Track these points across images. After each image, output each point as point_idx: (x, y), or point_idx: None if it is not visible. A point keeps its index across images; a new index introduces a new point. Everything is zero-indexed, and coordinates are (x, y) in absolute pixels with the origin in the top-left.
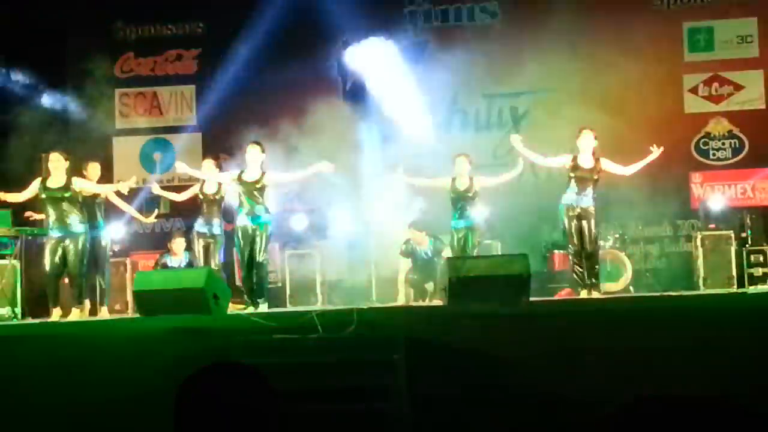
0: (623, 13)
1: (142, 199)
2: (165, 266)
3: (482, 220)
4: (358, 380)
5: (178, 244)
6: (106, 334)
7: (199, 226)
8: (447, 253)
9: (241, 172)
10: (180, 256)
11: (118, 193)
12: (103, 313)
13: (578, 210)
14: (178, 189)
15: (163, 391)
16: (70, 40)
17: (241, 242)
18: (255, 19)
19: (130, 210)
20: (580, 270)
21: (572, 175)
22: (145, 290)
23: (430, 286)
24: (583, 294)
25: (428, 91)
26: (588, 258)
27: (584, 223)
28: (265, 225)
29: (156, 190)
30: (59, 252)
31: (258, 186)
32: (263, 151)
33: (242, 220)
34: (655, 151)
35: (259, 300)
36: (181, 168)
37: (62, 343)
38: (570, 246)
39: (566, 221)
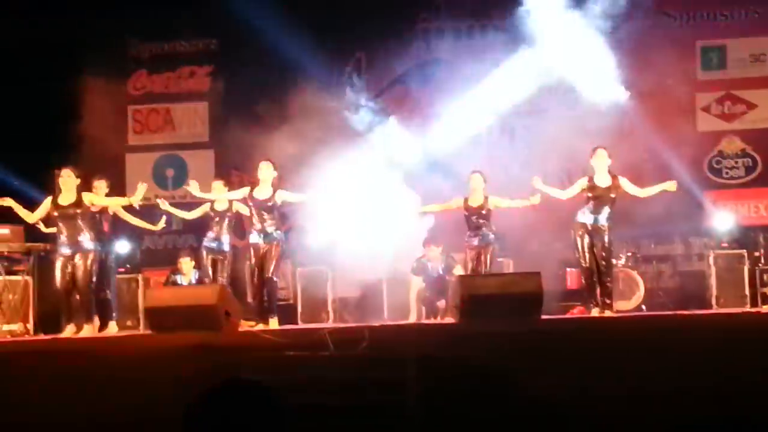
0: (636, 31)
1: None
2: (175, 284)
3: (495, 238)
4: (370, 398)
5: (186, 263)
6: (117, 351)
7: (208, 241)
8: (458, 270)
9: (252, 189)
10: (188, 275)
11: (128, 208)
12: (112, 328)
13: (590, 227)
14: (190, 206)
15: (173, 408)
16: (84, 56)
17: (253, 259)
18: (268, 36)
19: (138, 222)
20: (592, 288)
21: (590, 195)
22: (156, 307)
23: (441, 303)
24: (595, 312)
25: (440, 108)
26: (600, 276)
27: (596, 240)
28: (277, 242)
29: (164, 206)
30: (69, 268)
31: (269, 204)
32: (276, 169)
33: (254, 238)
34: (671, 185)
35: (269, 317)
36: (194, 189)
37: (74, 360)
38: (582, 263)
39: (578, 239)
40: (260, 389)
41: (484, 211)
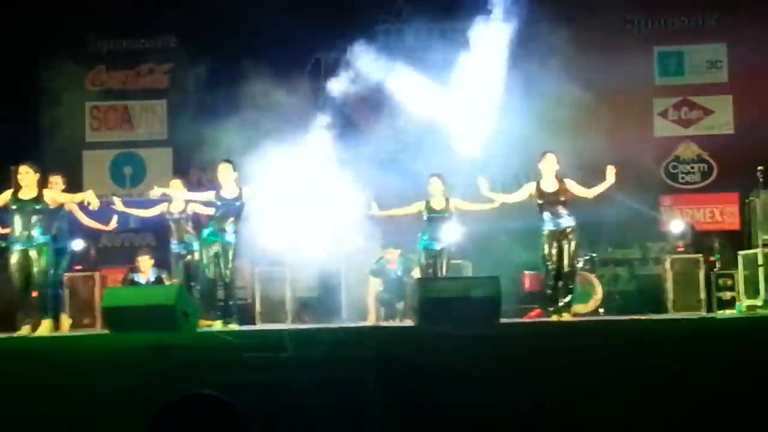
0: (595, 35)
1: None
2: (133, 283)
3: (454, 242)
4: (329, 399)
5: (145, 261)
6: (74, 350)
7: (175, 246)
8: (417, 272)
9: (218, 191)
10: (147, 274)
11: (82, 206)
12: (65, 323)
13: (557, 233)
14: (149, 204)
15: (132, 408)
16: (43, 51)
17: (208, 260)
18: (227, 34)
19: (90, 222)
20: (552, 291)
21: (540, 201)
22: (114, 306)
23: (401, 305)
24: (554, 317)
25: (403, 109)
26: (565, 278)
27: (564, 243)
28: (232, 244)
29: (119, 206)
30: (24, 264)
31: (238, 204)
32: (235, 169)
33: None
34: (611, 174)
35: (229, 318)
36: (157, 193)
37: (30, 358)
38: (547, 266)
39: (546, 247)
40: (222, 404)
41: (446, 215)
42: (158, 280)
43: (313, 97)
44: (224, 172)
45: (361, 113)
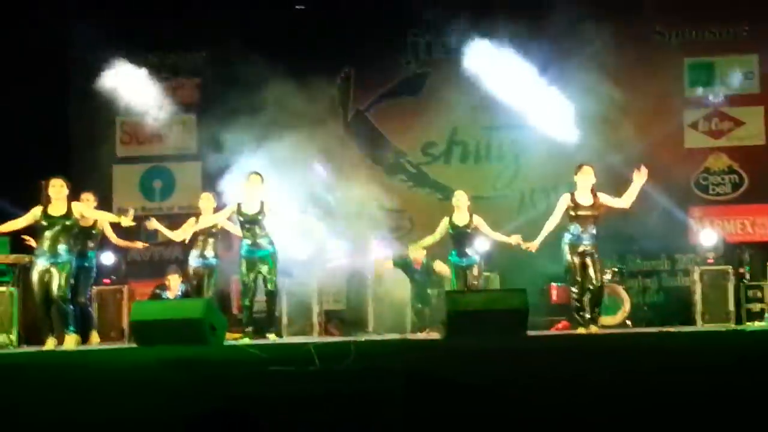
0: (625, 47)
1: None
2: (160, 300)
3: (483, 253)
4: (355, 413)
5: (173, 280)
6: (101, 364)
7: (193, 259)
8: (439, 267)
9: (240, 204)
10: (176, 291)
11: (114, 225)
12: (94, 339)
13: (580, 248)
14: (178, 217)
15: (159, 422)
16: (73, 65)
17: (245, 272)
18: (257, 48)
19: (120, 242)
20: (579, 305)
21: (573, 214)
22: (142, 320)
23: (428, 310)
24: (582, 330)
25: (429, 121)
26: (593, 292)
27: (588, 260)
28: (272, 255)
29: (154, 225)
30: (45, 279)
31: (259, 218)
32: (263, 182)
33: (246, 252)
34: (641, 174)
35: (269, 329)
36: (153, 225)
37: (59, 372)
38: (572, 280)
39: (569, 257)
40: (249, 420)
41: (470, 230)
42: (186, 295)
43: (342, 110)
44: (250, 184)
45: (391, 125)
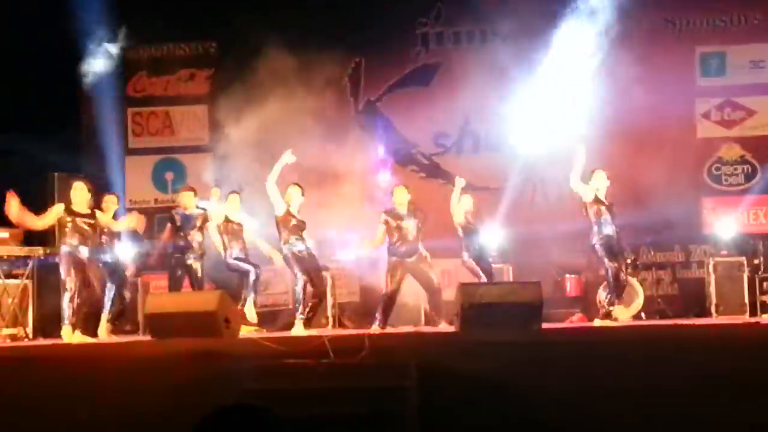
0: (636, 37)
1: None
2: (173, 220)
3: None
4: (369, 407)
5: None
6: (117, 357)
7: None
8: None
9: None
10: (191, 208)
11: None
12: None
13: (614, 238)
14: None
15: (174, 414)
16: (84, 57)
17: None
18: (268, 39)
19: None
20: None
21: (596, 207)
22: (157, 313)
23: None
24: (597, 322)
25: (440, 112)
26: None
27: (618, 249)
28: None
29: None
30: (82, 274)
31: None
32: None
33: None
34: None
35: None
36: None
37: (74, 365)
38: (611, 270)
39: (606, 249)
40: (264, 413)
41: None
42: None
43: (353, 100)
44: (295, 195)
45: (401, 116)
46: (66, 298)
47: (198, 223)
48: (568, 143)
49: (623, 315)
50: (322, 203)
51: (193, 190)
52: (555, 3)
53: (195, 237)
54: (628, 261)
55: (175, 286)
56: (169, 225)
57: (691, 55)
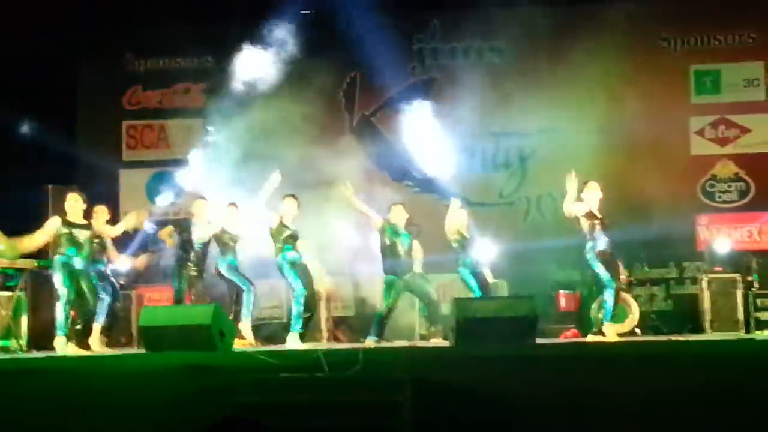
0: (631, 55)
1: (147, 237)
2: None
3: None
4: (363, 421)
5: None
6: (111, 369)
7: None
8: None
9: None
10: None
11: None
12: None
13: (609, 253)
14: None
15: (168, 428)
16: (80, 70)
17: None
18: (263, 53)
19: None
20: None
21: (590, 221)
22: (151, 326)
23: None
24: (590, 338)
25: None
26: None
27: (614, 263)
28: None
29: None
30: (77, 284)
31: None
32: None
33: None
34: (572, 178)
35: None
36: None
37: (68, 377)
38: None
39: (602, 263)
40: (257, 427)
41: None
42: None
43: (348, 114)
44: (290, 206)
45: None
46: (59, 307)
47: (206, 236)
48: (564, 156)
49: (614, 333)
50: (316, 211)
51: (205, 199)
52: (546, 17)
53: (201, 249)
54: (622, 277)
55: (178, 297)
56: (176, 232)
57: (685, 73)
